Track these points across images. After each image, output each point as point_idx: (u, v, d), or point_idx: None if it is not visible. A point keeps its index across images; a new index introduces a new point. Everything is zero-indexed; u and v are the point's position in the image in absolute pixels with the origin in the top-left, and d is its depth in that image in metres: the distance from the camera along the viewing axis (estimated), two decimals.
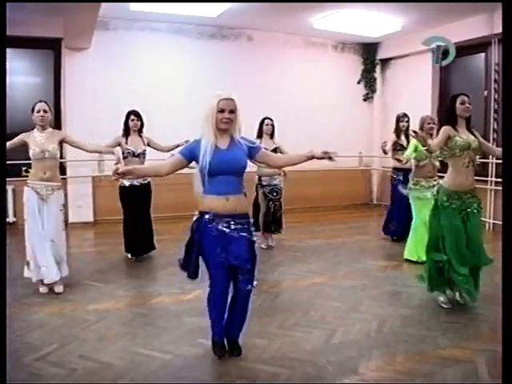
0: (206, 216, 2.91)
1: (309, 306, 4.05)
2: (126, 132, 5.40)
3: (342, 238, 6.75)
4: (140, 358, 3.10)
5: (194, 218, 2.97)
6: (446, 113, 3.98)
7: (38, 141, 4.29)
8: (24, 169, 7.16)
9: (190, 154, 2.90)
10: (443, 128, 3.89)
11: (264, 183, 5.91)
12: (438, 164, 5.33)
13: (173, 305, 4.12)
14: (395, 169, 6.33)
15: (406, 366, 3.00)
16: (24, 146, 4.33)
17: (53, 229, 4.33)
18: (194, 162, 2.94)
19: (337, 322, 3.70)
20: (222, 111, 2.83)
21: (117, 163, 4.41)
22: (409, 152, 5.36)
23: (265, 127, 5.89)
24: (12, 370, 2.82)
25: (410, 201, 5.47)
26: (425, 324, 3.69)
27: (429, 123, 5.33)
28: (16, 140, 4.31)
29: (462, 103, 3.88)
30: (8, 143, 4.17)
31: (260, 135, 5.88)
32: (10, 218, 7.16)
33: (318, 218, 8.22)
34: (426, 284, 4.06)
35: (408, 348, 3.25)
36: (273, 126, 5.92)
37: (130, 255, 5.57)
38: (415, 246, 5.33)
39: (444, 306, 3.98)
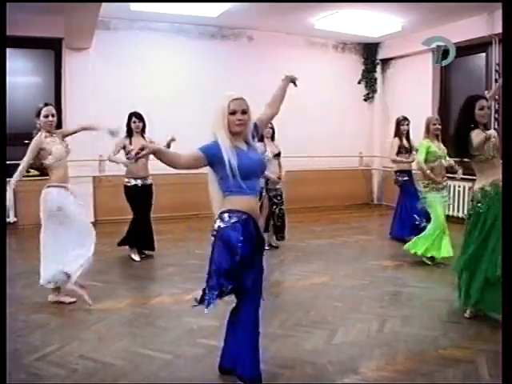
0: (239, 215, 2.60)
1: (309, 306, 4.05)
2: (129, 133, 5.43)
3: (342, 238, 6.75)
4: (140, 358, 3.10)
5: (220, 224, 2.60)
6: (465, 119, 3.73)
7: (54, 149, 4.05)
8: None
9: (210, 155, 2.55)
10: (476, 132, 3.66)
11: (270, 187, 5.88)
12: (445, 164, 5.32)
13: (173, 305, 4.13)
14: (399, 171, 6.34)
15: (406, 366, 3.00)
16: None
17: (84, 226, 4.18)
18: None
19: (337, 322, 3.70)
20: (233, 113, 2.60)
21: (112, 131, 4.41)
22: (422, 156, 5.18)
23: (265, 130, 5.81)
24: (12, 370, 2.83)
25: (427, 204, 5.31)
26: (425, 324, 3.69)
27: (434, 124, 5.30)
28: (34, 151, 4.01)
29: (481, 109, 3.69)
30: (27, 158, 3.97)
31: (261, 139, 5.76)
32: (11, 218, 7.14)
33: (318, 218, 8.22)
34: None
35: (408, 348, 3.25)
36: (272, 128, 5.89)
37: (134, 255, 5.57)
38: (427, 243, 5.21)
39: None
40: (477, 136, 3.66)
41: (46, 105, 4.11)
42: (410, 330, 3.55)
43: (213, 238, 2.65)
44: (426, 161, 5.20)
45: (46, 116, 4.03)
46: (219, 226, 2.61)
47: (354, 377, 2.88)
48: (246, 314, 2.71)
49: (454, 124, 3.96)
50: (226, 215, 2.60)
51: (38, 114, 4.05)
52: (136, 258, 5.54)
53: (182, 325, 3.65)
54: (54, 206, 4.03)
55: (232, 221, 2.59)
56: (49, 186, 4.10)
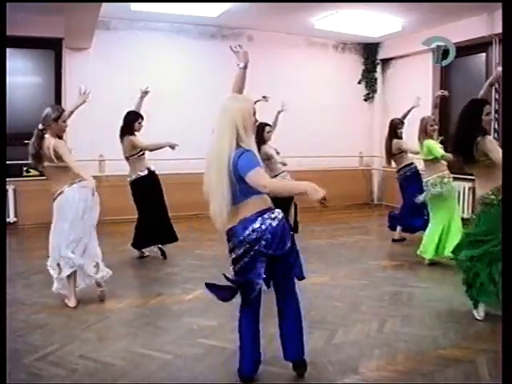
0: (271, 213, 2.62)
1: (309, 306, 4.02)
2: (131, 132, 5.47)
3: (342, 238, 6.75)
4: (140, 358, 3.10)
5: (260, 226, 2.57)
6: (471, 124, 3.57)
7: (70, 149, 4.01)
8: (25, 169, 7.19)
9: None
10: (490, 140, 3.55)
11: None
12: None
13: (173, 305, 4.12)
14: (403, 167, 6.32)
15: (406, 366, 3.00)
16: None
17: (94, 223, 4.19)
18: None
19: (337, 322, 3.70)
20: (254, 114, 2.61)
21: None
22: (439, 150, 5.11)
23: (266, 135, 5.69)
24: (12, 370, 2.83)
25: (431, 199, 5.25)
26: (425, 324, 3.70)
27: (431, 125, 5.28)
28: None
29: (488, 114, 3.59)
30: (72, 159, 3.84)
31: (262, 142, 5.45)
32: (11, 218, 7.16)
33: (318, 218, 8.20)
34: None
35: (408, 348, 3.25)
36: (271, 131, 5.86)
37: (148, 250, 5.64)
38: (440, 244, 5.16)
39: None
40: (491, 143, 3.52)
41: (63, 110, 4.02)
42: (410, 330, 3.55)
43: (228, 245, 2.68)
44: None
45: (64, 121, 3.96)
46: (259, 227, 2.56)
47: (354, 377, 2.88)
48: (290, 303, 2.79)
49: (458, 129, 3.74)
50: (260, 218, 2.58)
51: (57, 118, 3.86)
52: (146, 252, 5.62)
53: (182, 325, 3.66)
54: (83, 199, 3.97)
55: (269, 221, 2.58)
56: (79, 181, 3.93)
